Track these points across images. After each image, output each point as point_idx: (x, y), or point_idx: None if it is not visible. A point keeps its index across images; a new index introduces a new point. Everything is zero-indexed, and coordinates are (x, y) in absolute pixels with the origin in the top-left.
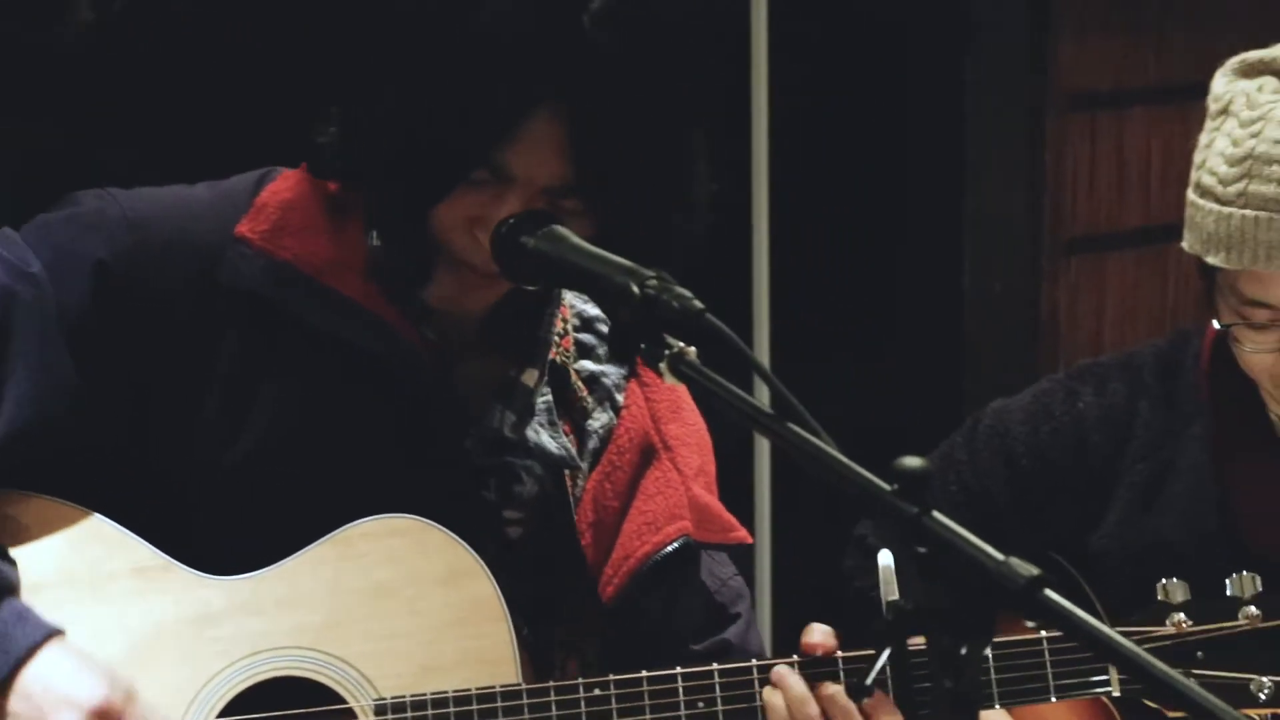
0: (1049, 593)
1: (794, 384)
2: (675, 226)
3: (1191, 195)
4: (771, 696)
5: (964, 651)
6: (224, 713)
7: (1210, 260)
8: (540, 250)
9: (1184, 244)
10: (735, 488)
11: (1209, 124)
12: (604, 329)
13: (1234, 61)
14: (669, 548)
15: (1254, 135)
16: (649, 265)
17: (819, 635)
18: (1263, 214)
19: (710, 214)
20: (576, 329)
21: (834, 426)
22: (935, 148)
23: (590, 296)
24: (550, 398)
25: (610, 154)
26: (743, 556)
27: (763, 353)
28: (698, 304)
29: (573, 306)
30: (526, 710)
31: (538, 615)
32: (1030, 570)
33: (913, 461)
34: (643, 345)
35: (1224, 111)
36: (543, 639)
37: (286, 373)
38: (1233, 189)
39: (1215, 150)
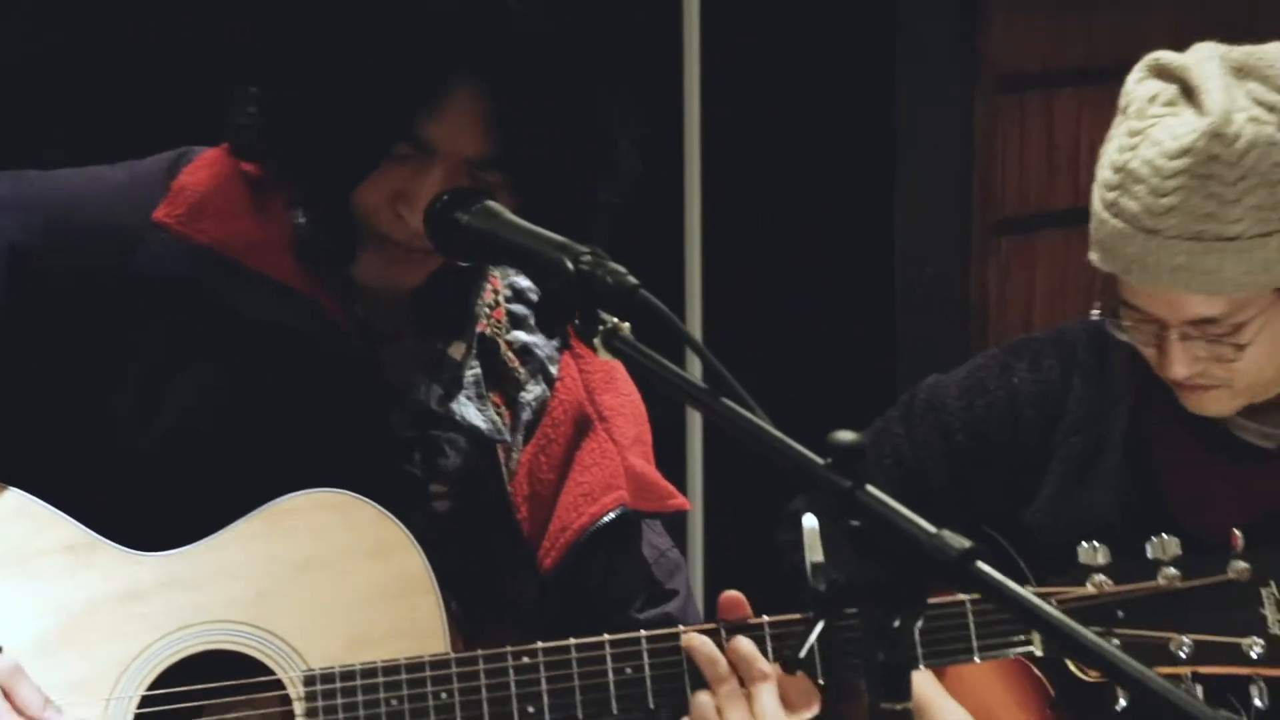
0: (982, 565)
1: (727, 362)
2: (599, 200)
3: (1093, 189)
4: (698, 698)
5: (897, 624)
6: (154, 686)
7: (1090, 256)
8: (474, 227)
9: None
10: (668, 462)
11: (1115, 120)
12: (536, 299)
13: (1150, 59)
14: (606, 518)
15: (1132, 149)
16: (573, 237)
17: (733, 602)
18: (1127, 228)
19: (634, 187)
20: (508, 299)
21: (768, 404)
22: (866, 129)
23: (525, 273)
24: (479, 371)
25: (531, 127)
26: (675, 530)
27: (696, 331)
28: (632, 280)
29: (504, 277)
30: (455, 680)
31: (469, 588)
32: (963, 543)
33: (846, 436)
34: (577, 321)
35: (1123, 112)
36: (474, 612)
37: (206, 354)
38: (1109, 196)
39: (1108, 152)
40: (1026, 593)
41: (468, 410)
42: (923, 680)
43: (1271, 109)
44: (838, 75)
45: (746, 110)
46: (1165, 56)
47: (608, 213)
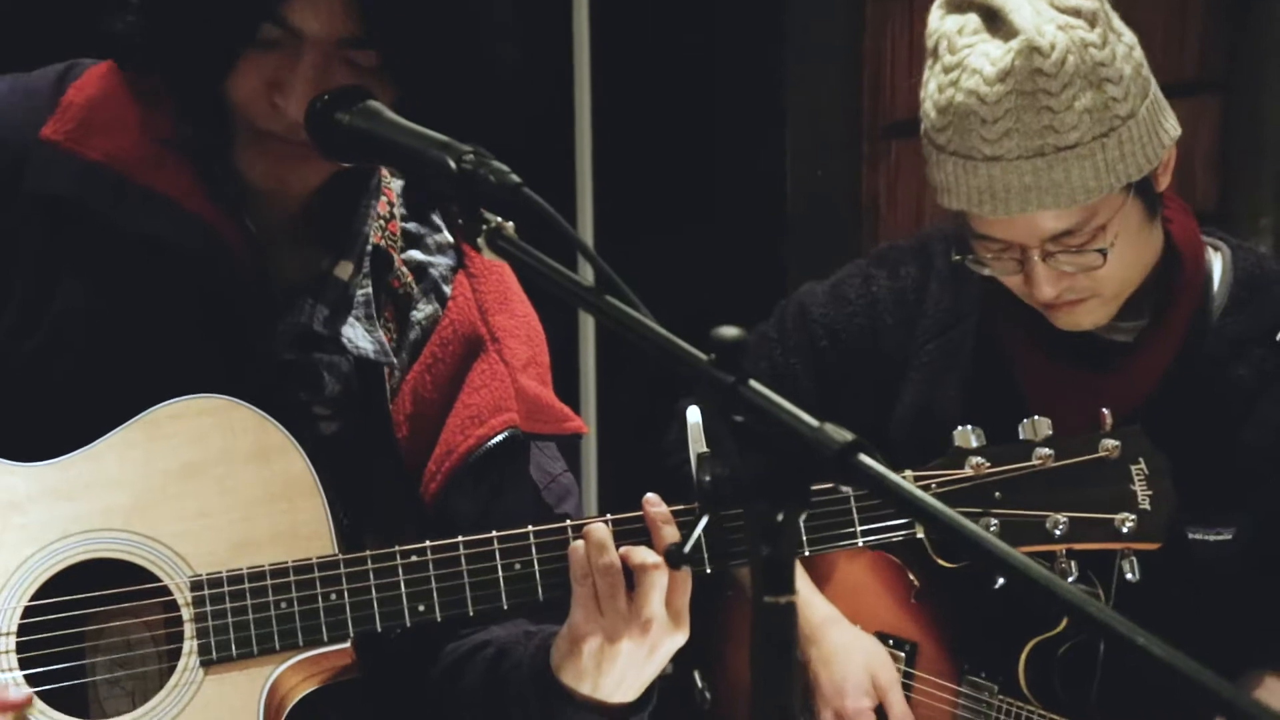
0: (864, 458)
1: (618, 267)
2: (475, 83)
3: (921, 133)
4: (574, 544)
5: (781, 518)
6: (37, 596)
7: (938, 200)
8: (355, 126)
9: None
10: (561, 383)
11: (926, 63)
12: (434, 218)
13: None
14: (494, 440)
15: (953, 84)
16: (455, 130)
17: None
18: (969, 161)
19: (519, 80)
20: (404, 218)
21: (659, 305)
22: (756, 32)
23: (406, 172)
24: (370, 290)
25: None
26: (569, 452)
27: (587, 234)
28: (514, 178)
29: (400, 196)
30: (344, 580)
31: (358, 510)
32: (845, 436)
33: (729, 331)
34: (460, 220)
35: (933, 53)
36: (361, 536)
37: (91, 269)
38: (943, 136)
39: (928, 94)
40: (908, 485)
41: (354, 332)
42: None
43: (1076, 13)
44: None
45: (635, 11)
46: None
47: (489, 102)
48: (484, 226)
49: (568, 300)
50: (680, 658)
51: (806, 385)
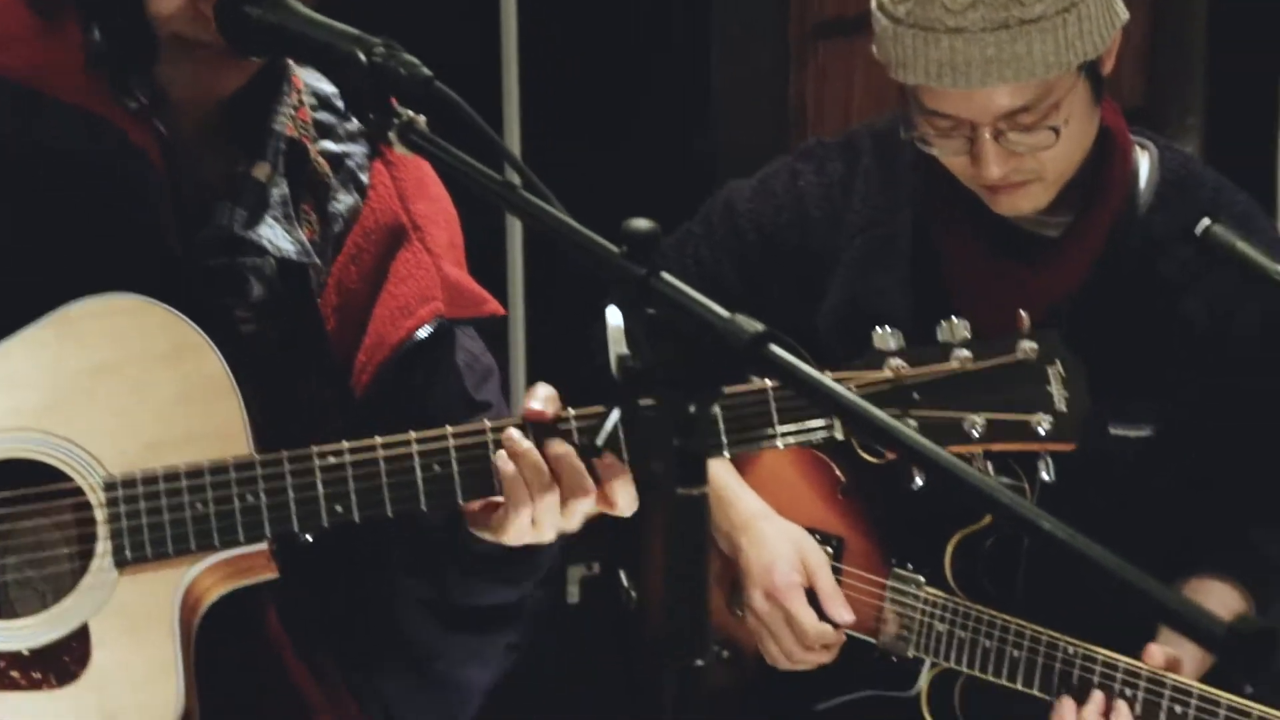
0: (775, 348)
1: (546, 172)
2: None
3: (873, 8)
4: (501, 460)
5: (693, 410)
6: None
7: (891, 75)
8: (265, 20)
9: (875, 52)
10: (488, 266)
11: None
12: (341, 105)
13: None
14: (422, 331)
15: None
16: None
17: (541, 401)
18: (930, 33)
19: None
20: (314, 107)
21: (582, 209)
22: None
23: (317, 67)
24: (286, 190)
25: None
26: (498, 339)
27: (514, 141)
28: (426, 71)
29: (307, 85)
30: (261, 481)
31: (287, 411)
32: (756, 327)
33: (641, 224)
34: (371, 115)
35: None
36: (289, 434)
37: (1, 177)
38: (902, 8)
39: None
40: (820, 376)
41: (274, 233)
42: (720, 470)
43: None
44: None
45: None
46: None
47: None
48: (395, 120)
49: (481, 195)
50: (607, 558)
51: (732, 280)
